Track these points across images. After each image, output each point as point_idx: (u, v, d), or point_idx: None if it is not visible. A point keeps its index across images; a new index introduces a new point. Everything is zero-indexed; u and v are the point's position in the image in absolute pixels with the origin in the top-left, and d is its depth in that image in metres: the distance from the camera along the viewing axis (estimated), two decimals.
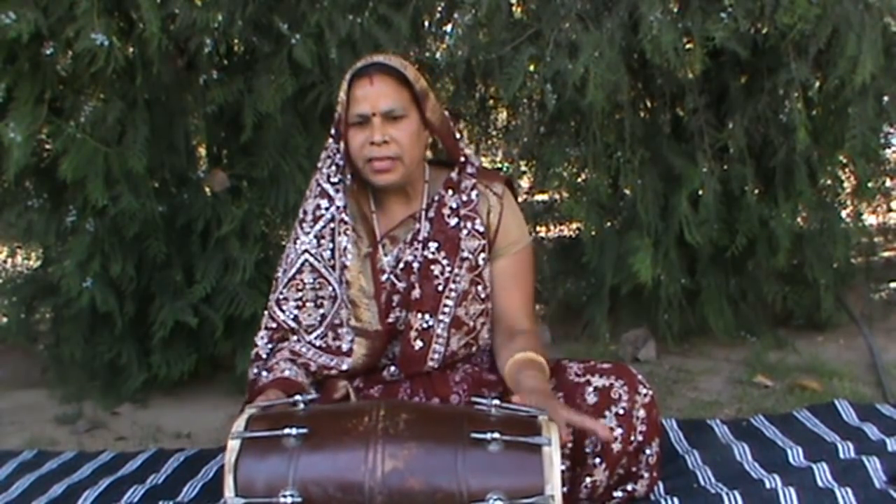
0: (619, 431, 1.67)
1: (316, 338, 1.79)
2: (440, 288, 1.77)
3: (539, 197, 3.36)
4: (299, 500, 1.36)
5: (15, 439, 2.54)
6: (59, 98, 2.54)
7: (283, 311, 1.81)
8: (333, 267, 1.79)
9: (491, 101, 3.32)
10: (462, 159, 1.82)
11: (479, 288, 1.80)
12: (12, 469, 2.25)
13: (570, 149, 2.99)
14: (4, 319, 3.01)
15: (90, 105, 2.51)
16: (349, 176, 1.77)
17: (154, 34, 2.29)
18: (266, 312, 1.84)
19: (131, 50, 2.45)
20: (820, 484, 1.81)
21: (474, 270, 1.79)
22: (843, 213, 3.07)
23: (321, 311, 1.80)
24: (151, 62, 2.42)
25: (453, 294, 1.77)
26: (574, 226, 3.40)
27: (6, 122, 2.34)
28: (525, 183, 3.28)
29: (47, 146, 2.59)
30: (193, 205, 2.70)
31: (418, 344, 1.77)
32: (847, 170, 3.10)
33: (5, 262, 3.37)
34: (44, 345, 3.04)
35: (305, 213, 1.83)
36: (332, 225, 1.79)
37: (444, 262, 1.77)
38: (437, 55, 3.03)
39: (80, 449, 2.43)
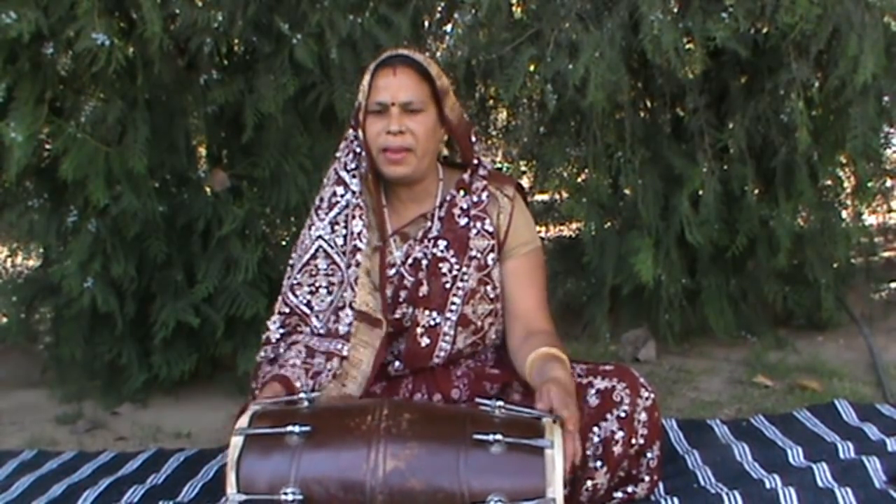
0: (620, 434, 1.67)
1: (322, 324, 1.78)
2: (448, 285, 1.78)
3: (539, 197, 3.36)
4: (301, 497, 1.36)
5: (15, 439, 2.53)
6: (60, 98, 2.54)
7: (296, 295, 1.80)
8: (345, 253, 1.78)
9: (491, 101, 3.32)
10: (475, 161, 1.84)
11: (488, 288, 1.80)
12: (12, 469, 2.25)
13: (570, 149, 3.00)
14: (4, 319, 3.01)
15: (90, 105, 2.51)
16: (364, 165, 1.79)
17: (155, 34, 2.28)
18: (280, 298, 1.83)
19: (132, 50, 2.45)
20: (820, 484, 1.81)
21: (483, 270, 1.80)
22: (844, 213, 3.07)
23: (331, 297, 1.79)
24: (152, 62, 2.42)
25: (460, 292, 1.78)
26: (574, 226, 3.40)
27: (7, 121, 2.34)
28: (525, 183, 3.28)
29: (48, 146, 2.59)
30: (194, 205, 2.70)
31: (424, 341, 1.78)
32: (847, 170, 3.10)
33: (5, 262, 3.35)
34: (44, 345, 3.04)
35: (322, 199, 1.83)
36: (346, 211, 1.79)
37: (453, 259, 1.79)
38: (437, 55, 3.02)
39: (80, 449, 2.43)
